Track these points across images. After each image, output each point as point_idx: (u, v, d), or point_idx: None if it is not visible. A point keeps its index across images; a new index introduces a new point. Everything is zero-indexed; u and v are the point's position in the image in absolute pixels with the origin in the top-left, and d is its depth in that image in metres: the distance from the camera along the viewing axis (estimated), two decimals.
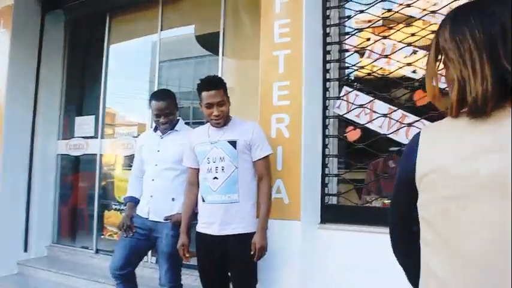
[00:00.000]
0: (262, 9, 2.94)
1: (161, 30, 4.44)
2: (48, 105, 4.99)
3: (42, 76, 4.92)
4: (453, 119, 0.94)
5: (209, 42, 4.26)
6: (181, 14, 4.50)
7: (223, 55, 3.95)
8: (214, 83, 2.45)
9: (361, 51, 2.86)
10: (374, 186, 3.17)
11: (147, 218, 2.79)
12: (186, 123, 3.05)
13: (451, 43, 0.91)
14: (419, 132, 1.00)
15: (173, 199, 2.78)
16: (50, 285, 4.19)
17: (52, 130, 5.03)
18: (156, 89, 4.17)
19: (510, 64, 0.84)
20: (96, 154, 4.73)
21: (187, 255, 2.52)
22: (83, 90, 5.35)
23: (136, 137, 4.37)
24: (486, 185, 0.84)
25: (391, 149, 2.89)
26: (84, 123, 4.94)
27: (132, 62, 5.00)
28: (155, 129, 2.94)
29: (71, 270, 4.29)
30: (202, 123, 3.33)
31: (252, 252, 2.32)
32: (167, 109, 2.80)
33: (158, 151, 2.84)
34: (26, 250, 4.69)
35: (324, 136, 2.81)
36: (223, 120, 2.47)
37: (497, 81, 0.85)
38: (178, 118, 2.94)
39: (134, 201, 2.91)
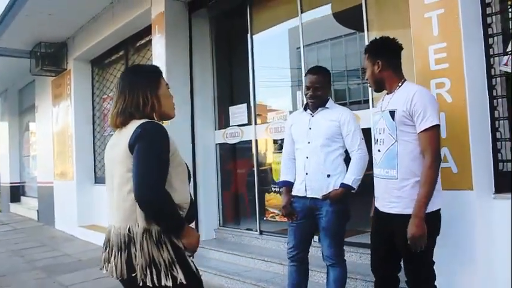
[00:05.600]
0: None
1: (301, 13, 4.43)
2: (203, 98, 5.37)
3: (195, 72, 5.31)
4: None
5: (351, 18, 4.18)
6: None
7: (368, 30, 3.81)
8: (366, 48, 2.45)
9: None
10: None
11: (305, 196, 2.80)
12: (341, 104, 3.01)
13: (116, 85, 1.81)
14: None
15: (328, 175, 2.76)
16: (221, 264, 4.52)
17: (209, 121, 5.40)
18: (303, 74, 4.24)
19: (129, 105, 1.72)
20: (251, 140, 4.95)
21: None
22: (231, 81, 5.67)
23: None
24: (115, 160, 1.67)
25: None
26: (237, 112, 5.19)
27: (275, 49, 5.18)
28: (305, 108, 2.94)
29: (238, 250, 4.57)
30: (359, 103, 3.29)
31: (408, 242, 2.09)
32: (317, 83, 2.80)
33: (310, 128, 2.84)
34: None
35: (492, 97, 2.57)
36: (371, 85, 2.41)
37: (123, 111, 1.71)
38: (328, 97, 2.90)
39: (289, 185, 2.93)
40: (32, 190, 10.69)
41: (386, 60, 2.30)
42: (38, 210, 9.53)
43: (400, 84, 2.29)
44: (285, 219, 2.98)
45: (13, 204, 11.53)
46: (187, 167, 1.81)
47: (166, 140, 1.64)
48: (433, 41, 2.59)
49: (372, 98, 3.77)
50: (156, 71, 1.87)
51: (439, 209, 2.21)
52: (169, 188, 1.62)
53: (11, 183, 11.69)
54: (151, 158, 1.57)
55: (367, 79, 2.42)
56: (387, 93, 2.35)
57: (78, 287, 4.34)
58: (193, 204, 1.81)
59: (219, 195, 5.40)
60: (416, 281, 2.24)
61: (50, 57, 7.61)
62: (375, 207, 2.39)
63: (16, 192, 11.69)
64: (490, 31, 2.58)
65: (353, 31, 4.90)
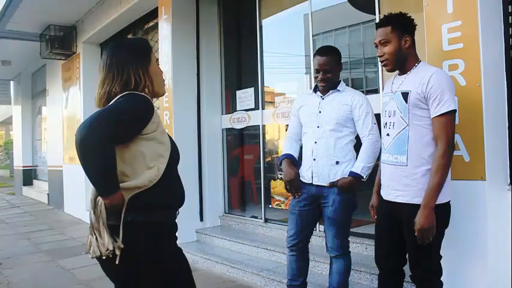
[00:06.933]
0: None
1: None
2: (210, 82, 5.22)
3: (202, 55, 5.16)
4: None
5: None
6: None
7: (379, 13, 3.59)
8: (380, 22, 2.18)
9: None
10: None
11: (311, 183, 2.65)
12: None
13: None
14: None
15: (337, 162, 2.60)
16: (225, 251, 4.45)
17: (215, 105, 5.28)
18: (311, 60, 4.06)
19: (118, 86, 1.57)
20: (258, 125, 4.82)
21: (375, 217, 2.35)
22: (239, 64, 5.51)
23: None
24: None
25: None
26: (244, 97, 5.05)
27: (285, 35, 4.98)
28: (315, 90, 2.77)
29: (243, 238, 4.49)
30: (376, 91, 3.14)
31: (416, 233, 1.96)
32: (326, 65, 2.62)
33: (320, 112, 2.67)
34: (202, 220, 5.06)
35: (510, 81, 2.37)
36: (389, 63, 2.12)
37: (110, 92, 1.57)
38: (340, 80, 2.73)
39: (291, 158, 2.75)
40: (44, 174, 10.76)
41: (412, 38, 2.13)
42: (48, 194, 9.60)
43: (416, 64, 2.13)
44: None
45: (25, 187, 11.65)
46: (176, 148, 1.69)
47: (143, 107, 1.53)
48: (447, 19, 2.41)
49: (383, 83, 3.58)
50: (146, 45, 1.72)
51: (449, 201, 2.06)
52: (142, 163, 1.52)
53: (23, 166, 11.81)
54: (114, 111, 1.48)
55: (380, 56, 2.14)
56: (399, 74, 2.18)
57: (79, 271, 4.30)
58: (178, 186, 1.71)
59: (225, 182, 5.29)
60: (422, 275, 2.09)
61: (60, 41, 7.56)
62: (380, 196, 2.24)
63: (28, 176, 11.82)
64: (510, 8, 2.38)
65: (365, 20, 4.67)
